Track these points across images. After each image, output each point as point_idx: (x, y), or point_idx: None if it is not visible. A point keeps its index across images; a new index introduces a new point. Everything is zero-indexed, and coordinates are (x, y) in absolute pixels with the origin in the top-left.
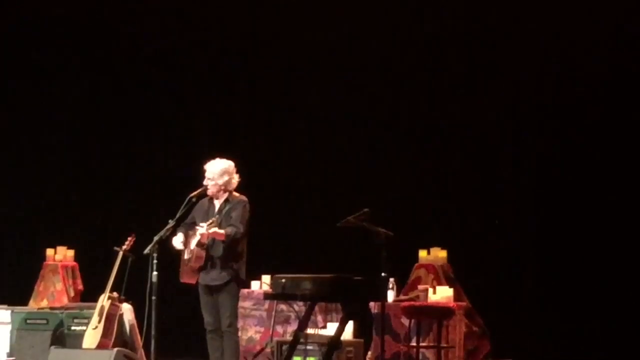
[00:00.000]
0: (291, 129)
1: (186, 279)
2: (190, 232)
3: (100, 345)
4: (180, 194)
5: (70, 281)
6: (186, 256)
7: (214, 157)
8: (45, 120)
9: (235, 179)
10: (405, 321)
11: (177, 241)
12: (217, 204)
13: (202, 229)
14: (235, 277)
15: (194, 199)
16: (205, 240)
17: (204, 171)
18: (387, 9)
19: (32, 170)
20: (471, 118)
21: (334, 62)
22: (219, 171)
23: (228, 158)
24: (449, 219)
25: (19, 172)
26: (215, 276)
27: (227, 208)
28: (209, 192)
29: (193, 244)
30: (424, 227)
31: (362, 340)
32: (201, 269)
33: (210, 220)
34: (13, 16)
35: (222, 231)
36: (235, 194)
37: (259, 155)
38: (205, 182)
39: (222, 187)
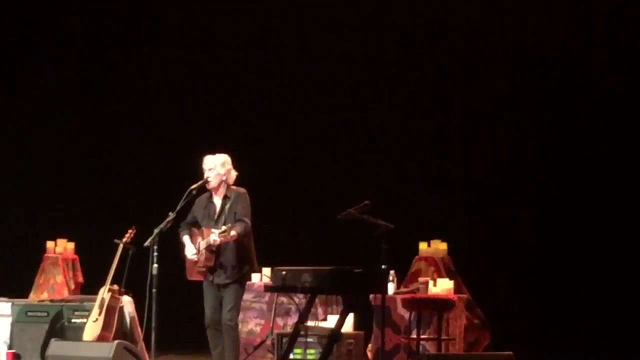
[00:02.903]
0: (292, 120)
1: (195, 277)
2: (197, 231)
3: (101, 338)
4: (180, 187)
5: (71, 273)
6: (191, 257)
7: (212, 152)
8: (46, 113)
9: (234, 172)
10: (405, 313)
11: (190, 252)
12: (217, 201)
13: (214, 235)
14: (244, 276)
15: (194, 192)
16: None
17: (202, 166)
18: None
19: (33, 163)
20: (471, 110)
21: (339, 53)
22: (220, 161)
23: (229, 151)
24: (449, 212)
25: (19, 164)
26: (225, 276)
27: (228, 205)
28: (211, 185)
29: (202, 246)
30: (424, 220)
31: (362, 332)
32: (211, 269)
33: (223, 229)
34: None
35: (233, 233)
36: (233, 187)
37: (259, 148)
38: (206, 175)
39: (223, 179)
